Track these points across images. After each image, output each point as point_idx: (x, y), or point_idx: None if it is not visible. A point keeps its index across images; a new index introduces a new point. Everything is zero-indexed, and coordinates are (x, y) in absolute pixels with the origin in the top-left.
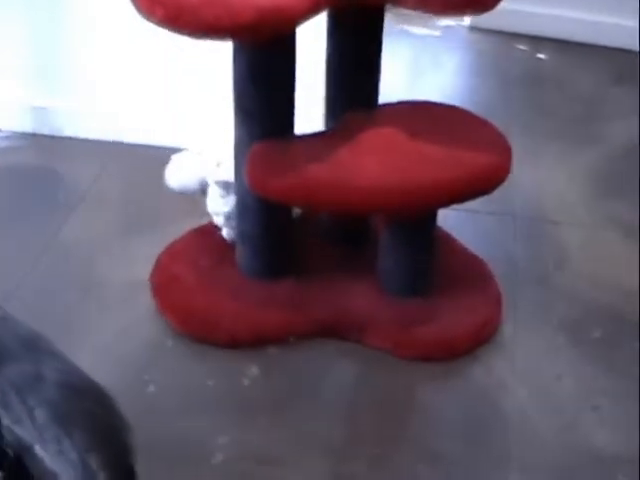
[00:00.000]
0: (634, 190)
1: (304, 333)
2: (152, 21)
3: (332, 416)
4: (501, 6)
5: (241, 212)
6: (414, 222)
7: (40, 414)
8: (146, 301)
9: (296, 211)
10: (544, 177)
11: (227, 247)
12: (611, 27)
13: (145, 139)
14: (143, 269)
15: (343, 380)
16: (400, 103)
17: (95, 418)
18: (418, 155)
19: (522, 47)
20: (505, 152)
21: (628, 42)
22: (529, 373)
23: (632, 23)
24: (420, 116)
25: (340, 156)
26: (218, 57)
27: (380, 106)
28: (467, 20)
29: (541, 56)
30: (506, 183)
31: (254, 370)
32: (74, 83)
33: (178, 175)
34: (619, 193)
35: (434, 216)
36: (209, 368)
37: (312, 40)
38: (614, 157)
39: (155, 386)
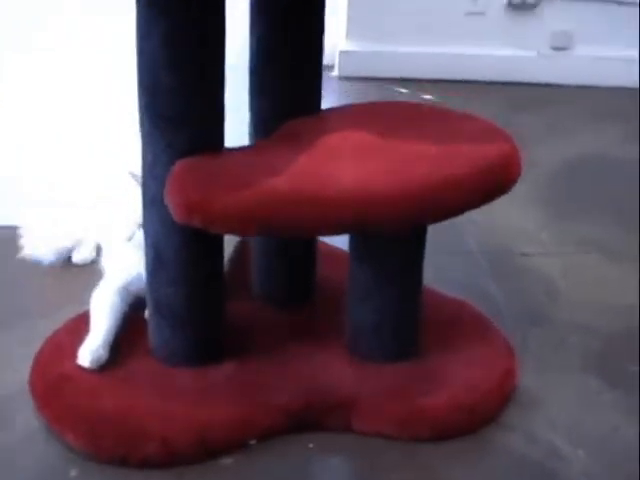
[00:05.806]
0: (589, 209)
1: (266, 431)
2: None
3: None
4: (365, 48)
5: (153, 271)
6: (401, 254)
7: None
8: (27, 418)
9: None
10: (489, 212)
11: (129, 332)
12: (495, 60)
13: None
14: (13, 376)
15: None
16: (352, 105)
17: None
18: (404, 155)
19: (404, 90)
20: (508, 139)
21: (518, 74)
22: (578, 430)
23: (514, 53)
24: (388, 114)
25: (300, 165)
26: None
27: (325, 110)
28: (335, 70)
29: (427, 97)
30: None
31: None
32: None
33: (37, 244)
34: (575, 215)
35: (422, 247)
36: None
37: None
38: (550, 181)
39: None
